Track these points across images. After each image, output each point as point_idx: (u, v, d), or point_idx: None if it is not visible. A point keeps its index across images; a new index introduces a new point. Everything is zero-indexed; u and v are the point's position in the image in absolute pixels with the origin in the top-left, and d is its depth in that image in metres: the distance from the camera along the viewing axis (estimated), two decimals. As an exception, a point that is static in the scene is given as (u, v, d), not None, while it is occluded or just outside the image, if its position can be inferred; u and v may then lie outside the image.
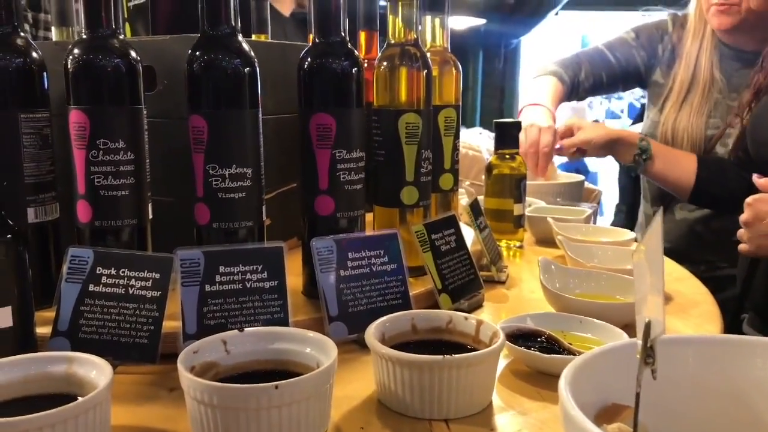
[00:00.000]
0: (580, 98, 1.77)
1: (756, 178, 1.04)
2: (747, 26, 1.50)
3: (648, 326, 0.45)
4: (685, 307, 0.90)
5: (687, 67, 1.58)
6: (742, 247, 1.04)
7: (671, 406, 0.50)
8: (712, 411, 0.50)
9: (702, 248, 1.48)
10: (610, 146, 1.48)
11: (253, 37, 1.21)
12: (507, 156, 1.15)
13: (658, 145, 1.48)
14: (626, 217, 2.23)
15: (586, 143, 1.46)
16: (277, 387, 0.51)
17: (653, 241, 0.49)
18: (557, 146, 1.49)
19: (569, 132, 1.50)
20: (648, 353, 0.46)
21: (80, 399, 0.51)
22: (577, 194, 1.53)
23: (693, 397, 0.50)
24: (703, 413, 0.50)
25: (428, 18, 0.99)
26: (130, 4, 0.98)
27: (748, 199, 1.01)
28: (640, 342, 0.47)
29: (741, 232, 1.04)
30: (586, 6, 5.36)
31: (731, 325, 1.17)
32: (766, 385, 0.48)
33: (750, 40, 1.54)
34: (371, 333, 0.63)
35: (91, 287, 0.68)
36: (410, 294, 0.78)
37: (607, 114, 6.87)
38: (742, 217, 1.02)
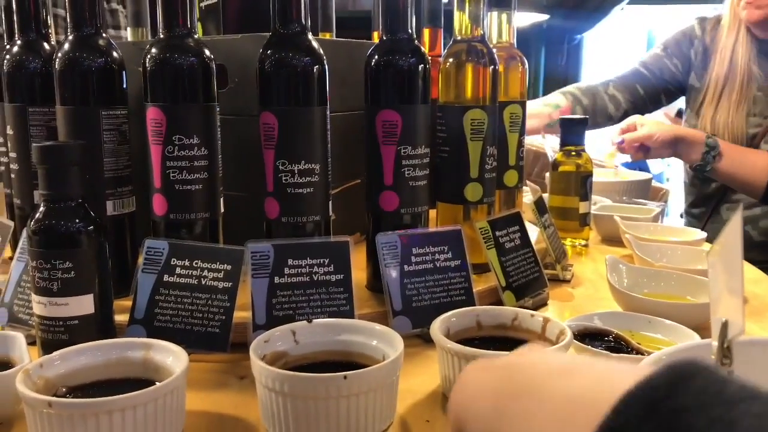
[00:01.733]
0: (621, 116, 1.72)
1: None
2: None
3: (725, 326, 0.44)
4: (762, 310, 0.87)
5: (722, 62, 1.55)
6: None
7: (748, 409, 0.48)
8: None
9: (751, 248, 1.43)
10: (675, 144, 1.45)
11: (319, 34, 1.23)
12: (573, 153, 1.14)
13: (726, 143, 1.44)
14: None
15: (649, 138, 1.43)
16: (345, 377, 0.52)
17: (730, 240, 0.48)
18: (619, 140, 1.46)
19: (632, 128, 1.47)
20: (724, 354, 0.45)
21: (158, 383, 0.53)
22: (644, 193, 1.49)
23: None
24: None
25: (494, 14, 0.99)
26: (202, 4, 1.01)
27: None
28: (715, 342, 0.46)
29: None
30: (651, 1, 5.21)
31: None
32: None
33: None
34: (437, 327, 0.64)
35: (166, 277, 0.70)
36: (474, 290, 0.78)
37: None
38: None
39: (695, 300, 0.82)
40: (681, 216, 1.75)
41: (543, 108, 1.68)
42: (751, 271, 1.04)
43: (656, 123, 1.48)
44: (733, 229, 0.46)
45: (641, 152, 1.48)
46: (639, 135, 1.44)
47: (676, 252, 0.99)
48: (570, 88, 1.72)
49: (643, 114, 1.83)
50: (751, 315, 0.85)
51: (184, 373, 0.54)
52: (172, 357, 0.57)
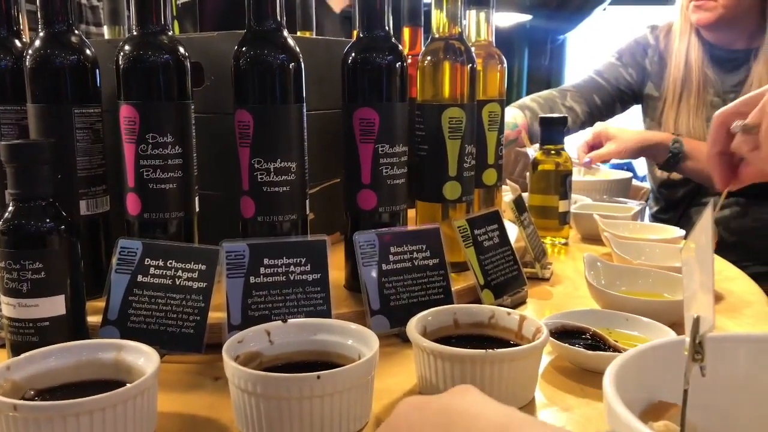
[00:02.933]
0: (578, 128, 1.73)
1: None
2: (726, 22, 1.50)
3: (697, 322, 0.44)
4: (737, 306, 0.87)
5: (677, 67, 1.57)
6: None
7: (720, 405, 0.49)
8: (763, 411, 0.49)
9: (724, 250, 1.44)
10: (641, 151, 1.46)
11: (298, 33, 1.22)
12: (552, 152, 1.14)
13: (691, 143, 1.46)
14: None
15: (617, 155, 1.45)
16: (319, 377, 0.51)
17: (702, 238, 0.48)
18: (586, 160, 1.47)
19: (598, 141, 1.48)
20: (697, 350, 0.45)
21: (128, 385, 0.52)
22: (624, 191, 1.50)
23: (743, 397, 0.49)
24: (753, 413, 0.49)
25: (473, 12, 0.99)
26: (179, 1, 1.00)
27: None
28: (688, 338, 0.46)
29: None
30: (634, 2, 5.24)
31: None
32: (822, 385, 0.46)
33: (735, 37, 1.54)
34: (413, 326, 0.63)
35: (140, 278, 0.69)
36: (452, 289, 0.78)
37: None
38: None
39: (672, 297, 0.82)
40: (651, 219, 1.77)
41: None
42: (727, 268, 1.05)
43: (622, 135, 1.48)
44: (704, 226, 0.46)
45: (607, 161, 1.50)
46: (606, 153, 1.45)
47: (654, 250, 1.00)
48: (526, 101, 1.70)
49: (605, 119, 1.85)
50: (726, 311, 0.85)
51: (154, 374, 0.53)
52: (144, 358, 0.56)
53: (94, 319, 0.69)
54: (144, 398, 0.52)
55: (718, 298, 0.90)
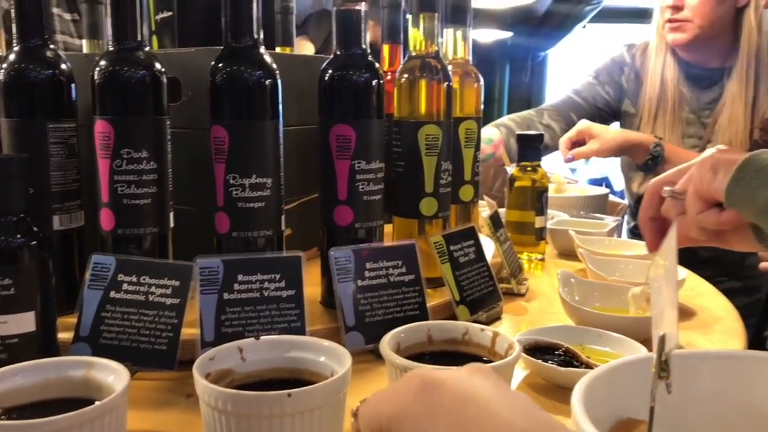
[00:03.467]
0: (557, 145, 1.76)
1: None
2: (702, 41, 1.53)
3: (662, 339, 0.45)
4: (709, 323, 0.88)
5: (653, 85, 1.60)
6: (763, 265, 1.02)
7: (687, 421, 0.49)
8: (729, 427, 0.49)
9: (700, 264, 1.46)
10: (623, 151, 1.47)
11: (278, 49, 1.22)
12: (529, 168, 1.15)
13: (671, 149, 1.47)
14: None
15: (598, 153, 1.45)
16: (290, 395, 0.51)
17: (669, 254, 0.49)
18: (569, 156, 1.47)
19: (581, 138, 1.48)
20: (662, 367, 0.45)
21: (97, 403, 0.51)
22: (601, 207, 1.51)
23: (710, 413, 0.49)
24: (719, 429, 0.49)
25: (450, 31, 1.00)
26: (158, 17, 1.01)
27: None
28: (655, 356, 0.46)
29: (763, 254, 1.02)
30: (612, 19, 5.33)
31: (754, 343, 1.14)
32: (785, 402, 0.47)
33: (710, 56, 1.58)
34: (386, 343, 0.63)
35: (113, 294, 0.69)
36: (428, 305, 0.78)
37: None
38: None
39: (644, 313, 0.83)
40: (628, 235, 1.78)
41: None
42: (700, 284, 1.06)
43: (605, 134, 1.49)
44: (670, 243, 0.47)
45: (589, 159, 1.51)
46: (589, 151, 1.46)
47: (628, 266, 1.01)
48: (504, 120, 1.73)
49: None
50: (698, 327, 0.86)
51: (124, 391, 0.53)
52: (114, 375, 0.56)
53: (65, 336, 0.68)
54: (113, 416, 0.52)
55: (690, 314, 0.91)
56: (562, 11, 4.60)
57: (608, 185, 4.47)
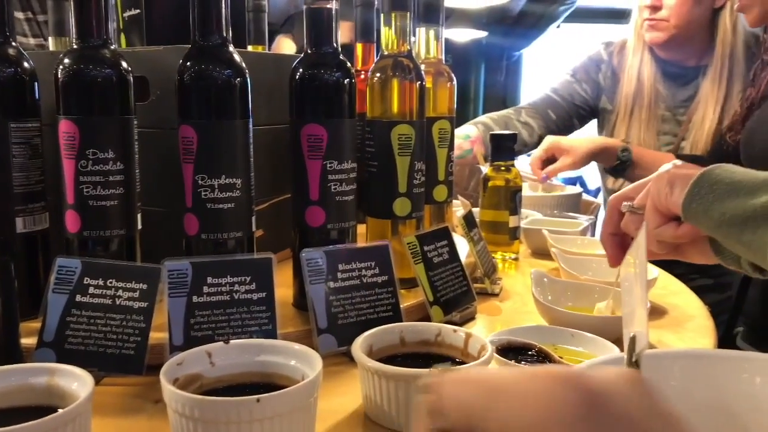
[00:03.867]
0: (536, 142, 1.76)
1: None
2: (679, 41, 1.56)
3: (633, 340, 0.45)
4: (680, 321, 0.89)
5: (630, 82, 1.63)
6: None
7: (658, 421, 0.49)
8: (699, 426, 0.49)
9: (671, 262, 1.48)
10: (593, 157, 1.48)
11: (250, 48, 1.21)
12: (503, 168, 1.15)
13: (639, 151, 1.49)
14: None
15: (572, 167, 1.47)
16: (258, 400, 0.50)
17: (640, 254, 0.49)
18: (543, 176, 1.48)
19: (551, 155, 1.49)
20: (633, 368, 0.45)
21: (60, 411, 0.50)
22: (574, 206, 1.52)
23: (681, 412, 0.49)
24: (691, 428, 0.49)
25: (422, 30, 0.99)
26: (125, 14, 0.99)
27: None
28: (626, 356, 0.46)
29: None
30: (586, 19, 5.37)
31: (724, 340, 1.16)
32: (753, 399, 0.47)
33: (686, 55, 1.60)
34: (358, 345, 0.63)
35: (78, 298, 0.67)
36: (401, 306, 0.78)
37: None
38: None
39: (617, 313, 0.83)
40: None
41: (455, 140, 1.70)
42: (672, 283, 1.07)
43: (573, 147, 1.49)
44: (640, 243, 0.47)
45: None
46: (561, 167, 1.47)
47: (601, 265, 1.01)
48: (482, 118, 1.74)
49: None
50: (670, 326, 0.87)
51: (87, 399, 0.51)
52: (78, 382, 0.54)
53: (29, 341, 0.66)
54: (76, 425, 0.50)
55: (662, 312, 0.92)
56: (537, 11, 4.63)
57: (582, 184, 4.52)
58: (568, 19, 5.06)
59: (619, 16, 1.92)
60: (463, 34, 4.34)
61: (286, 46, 2.48)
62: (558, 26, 5.06)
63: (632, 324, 0.48)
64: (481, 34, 4.49)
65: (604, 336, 0.72)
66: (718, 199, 0.55)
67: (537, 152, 1.52)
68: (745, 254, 0.56)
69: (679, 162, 0.62)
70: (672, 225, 0.59)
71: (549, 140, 1.51)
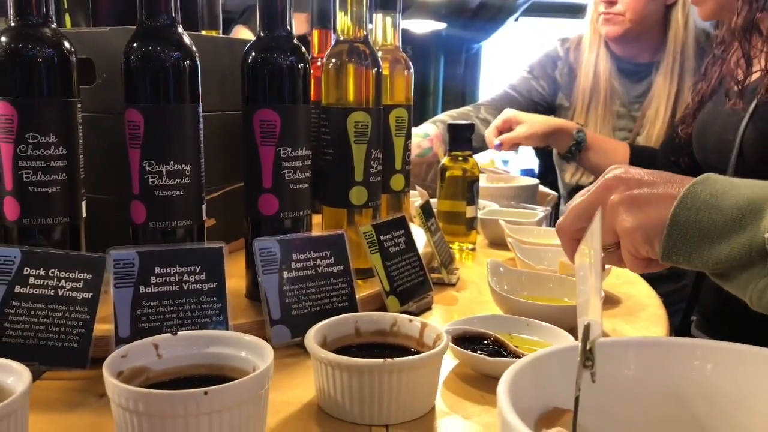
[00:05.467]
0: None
1: None
2: (633, 36, 1.60)
3: (587, 329, 0.44)
4: (634, 310, 0.90)
5: (586, 77, 1.66)
6: None
7: (612, 408, 0.49)
8: (652, 413, 0.50)
9: None
10: (549, 137, 1.48)
11: (203, 32, 1.18)
12: (460, 158, 1.14)
13: (593, 136, 1.51)
14: None
15: (527, 139, 1.46)
16: (206, 393, 0.48)
17: (594, 243, 0.48)
18: (497, 143, 1.48)
19: (507, 126, 1.49)
20: (587, 356, 0.45)
21: (-7, 407, 0.47)
22: (531, 197, 1.53)
23: (633, 400, 0.50)
24: (643, 415, 0.49)
25: (379, 16, 0.98)
26: (70, -7, 0.95)
27: None
28: (580, 345, 0.46)
29: None
30: (544, 13, 5.44)
31: (680, 328, 1.18)
32: (704, 386, 0.48)
33: (640, 51, 1.64)
34: (311, 336, 0.61)
35: (18, 288, 0.64)
36: (357, 296, 0.76)
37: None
38: None
39: (572, 302, 0.83)
40: None
41: (413, 138, 1.70)
42: (626, 272, 1.08)
43: (532, 120, 1.50)
44: (594, 231, 0.46)
45: (515, 147, 1.51)
46: (516, 136, 1.46)
47: (556, 255, 1.01)
48: (441, 116, 1.75)
49: None
50: (624, 315, 0.88)
51: (24, 394, 0.49)
52: (14, 377, 0.51)
53: (-36, 335, 0.63)
54: (11, 422, 0.48)
55: (616, 302, 0.93)
56: (495, 3, 4.66)
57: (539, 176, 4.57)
58: (526, 13, 5.11)
59: (575, 10, 1.94)
60: (422, 26, 4.34)
61: (243, 35, 2.44)
62: (516, 19, 5.11)
63: (587, 313, 0.48)
64: (441, 25, 4.50)
65: (559, 325, 0.72)
66: (695, 249, 0.53)
67: (495, 122, 1.51)
68: (730, 290, 0.56)
69: (619, 169, 0.60)
70: (656, 263, 0.58)
71: (507, 112, 1.51)
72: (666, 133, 1.53)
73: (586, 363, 0.44)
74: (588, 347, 0.44)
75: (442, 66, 5.70)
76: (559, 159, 1.77)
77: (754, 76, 1.05)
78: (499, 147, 1.48)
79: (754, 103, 1.03)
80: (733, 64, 1.10)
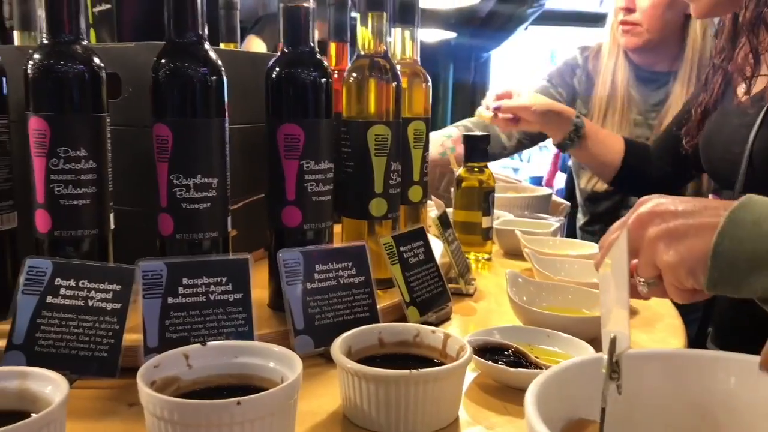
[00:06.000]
0: (515, 146, 1.80)
1: None
2: (651, 46, 1.61)
3: (613, 341, 0.45)
4: (651, 320, 0.91)
5: (604, 85, 1.66)
6: None
7: (636, 420, 0.50)
8: (675, 425, 0.50)
9: None
10: (547, 118, 1.44)
11: (222, 45, 1.20)
12: (476, 169, 1.16)
13: (591, 125, 1.49)
14: None
15: (526, 109, 1.42)
16: (239, 403, 0.49)
17: (619, 255, 0.49)
18: (494, 106, 1.45)
19: (508, 95, 1.48)
20: (613, 368, 0.46)
21: (33, 416, 0.49)
22: (544, 207, 1.54)
23: (657, 412, 0.50)
24: (666, 427, 0.50)
25: (398, 30, 0.99)
26: (95, 9, 0.97)
27: None
28: (605, 357, 0.47)
29: None
30: (554, 22, 5.45)
31: (696, 341, 1.18)
32: (728, 399, 0.49)
33: (659, 60, 1.65)
34: (337, 347, 0.62)
35: (49, 299, 0.66)
36: (378, 307, 0.78)
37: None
38: None
39: (591, 313, 0.84)
40: (577, 232, 1.83)
41: (438, 137, 1.72)
42: (642, 283, 1.09)
43: (533, 95, 1.48)
44: (621, 245, 0.47)
45: (512, 123, 1.47)
46: (516, 104, 1.43)
47: (573, 266, 1.02)
48: (464, 121, 1.77)
49: (535, 144, 1.90)
50: (642, 326, 0.88)
51: (62, 403, 0.50)
52: (51, 386, 0.53)
53: (-2, 344, 0.65)
54: (50, 430, 0.49)
55: (633, 312, 0.93)
56: (505, 13, 4.67)
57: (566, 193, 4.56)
58: (536, 22, 5.12)
59: (585, 19, 1.95)
60: (432, 35, 4.36)
61: (256, 45, 2.46)
62: (526, 28, 5.12)
63: (610, 324, 0.49)
64: (450, 34, 4.52)
65: (579, 336, 0.73)
66: (743, 279, 0.53)
67: (497, 90, 1.49)
68: None
69: (650, 205, 0.59)
70: (701, 293, 0.57)
71: (512, 85, 1.50)
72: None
73: (612, 375, 0.45)
74: (614, 360, 0.45)
75: (451, 74, 5.72)
76: (576, 165, 1.78)
77: (761, 83, 1.04)
78: (497, 109, 1.44)
79: (762, 113, 1.02)
80: (740, 59, 1.09)
